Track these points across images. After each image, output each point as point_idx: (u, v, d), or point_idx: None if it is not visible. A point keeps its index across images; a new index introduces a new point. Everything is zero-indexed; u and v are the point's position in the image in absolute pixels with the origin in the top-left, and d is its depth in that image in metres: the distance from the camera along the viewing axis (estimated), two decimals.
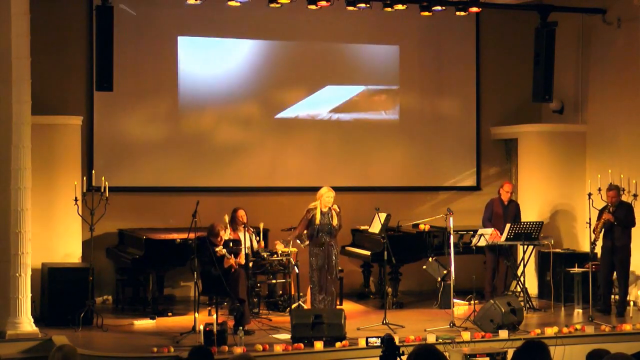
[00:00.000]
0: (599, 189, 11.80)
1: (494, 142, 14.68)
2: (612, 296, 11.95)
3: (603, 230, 11.59)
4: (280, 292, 12.18)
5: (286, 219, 12.07)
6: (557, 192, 13.75)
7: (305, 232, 11.24)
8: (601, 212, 11.66)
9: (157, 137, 13.21)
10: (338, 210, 11.06)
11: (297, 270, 11.57)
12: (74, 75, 12.78)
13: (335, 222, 11.05)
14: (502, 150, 14.75)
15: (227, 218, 11.51)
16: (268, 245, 12.30)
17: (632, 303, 12.10)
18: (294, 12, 12.75)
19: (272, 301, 12.09)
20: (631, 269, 12.52)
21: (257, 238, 11.87)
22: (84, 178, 11.57)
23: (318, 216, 11.02)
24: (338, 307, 11.33)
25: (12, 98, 10.21)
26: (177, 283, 13.00)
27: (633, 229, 11.76)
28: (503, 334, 10.13)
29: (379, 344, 8.86)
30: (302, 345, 9.68)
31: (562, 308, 12.23)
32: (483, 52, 14.56)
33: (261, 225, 11.82)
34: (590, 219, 11.40)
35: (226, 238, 10.99)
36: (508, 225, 12.01)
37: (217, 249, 10.57)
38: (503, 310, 10.38)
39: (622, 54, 13.11)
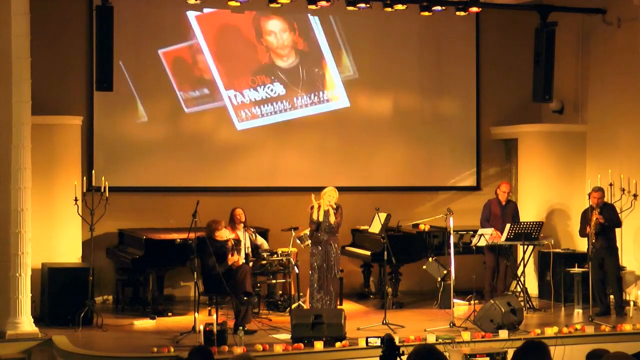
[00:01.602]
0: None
1: (494, 142, 14.68)
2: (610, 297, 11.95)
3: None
4: (280, 292, 12.18)
5: (286, 219, 12.07)
6: (557, 192, 13.74)
7: (307, 231, 11.28)
8: (585, 214, 11.65)
9: (157, 137, 13.20)
10: (334, 207, 11.09)
11: (297, 270, 11.58)
12: (74, 75, 12.78)
13: (332, 219, 11.08)
14: (502, 150, 14.75)
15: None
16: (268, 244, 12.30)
17: (632, 303, 12.10)
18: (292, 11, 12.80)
19: (272, 301, 12.09)
20: (631, 268, 12.57)
21: (254, 237, 11.85)
22: (84, 178, 11.57)
23: (315, 212, 11.08)
24: (338, 307, 11.33)
25: (12, 98, 10.22)
26: (177, 283, 13.00)
27: (627, 230, 11.77)
28: (503, 334, 10.13)
29: (379, 344, 8.87)
30: (302, 345, 9.68)
31: (562, 308, 12.23)
32: (483, 52, 14.55)
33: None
34: (588, 219, 11.43)
35: (225, 238, 10.98)
36: (508, 225, 12.01)
37: (226, 238, 10.63)
38: (503, 310, 10.38)
39: (622, 54, 13.11)
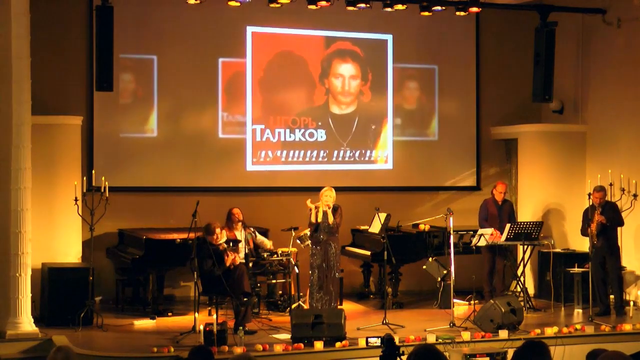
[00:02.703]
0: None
1: (494, 142, 14.68)
2: (610, 296, 11.94)
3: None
4: (280, 292, 12.18)
5: (286, 219, 12.06)
6: (557, 192, 13.74)
7: (307, 231, 11.29)
8: (587, 213, 11.65)
9: (157, 137, 13.19)
10: (331, 206, 11.10)
11: (297, 270, 11.57)
12: (74, 75, 12.78)
13: (330, 219, 11.08)
14: (502, 150, 14.75)
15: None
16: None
17: (632, 303, 12.10)
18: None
19: (272, 301, 12.09)
20: (631, 268, 12.57)
21: (254, 236, 11.83)
22: (84, 178, 11.57)
23: (314, 213, 11.10)
24: (338, 307, 11.33)
25: (12, 98, 10.21)
26: (177, 283, 13.00)
27: (628, 230, 11.76)
28: (503, 334, 10.14)
29: (379, 344, 8.86)
30: (302, 345, 9.69)
31: (562, 308, 12.23)
32: (483, 52, 14.56)
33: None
34: (590, 219, 11.43)
35: (224, 239, 10.96)
36: (508, 225, 12.01)
37: (219, 242, 10.60)
38: (503, 310, 10.38)
39: (622, 54, 13.11)
